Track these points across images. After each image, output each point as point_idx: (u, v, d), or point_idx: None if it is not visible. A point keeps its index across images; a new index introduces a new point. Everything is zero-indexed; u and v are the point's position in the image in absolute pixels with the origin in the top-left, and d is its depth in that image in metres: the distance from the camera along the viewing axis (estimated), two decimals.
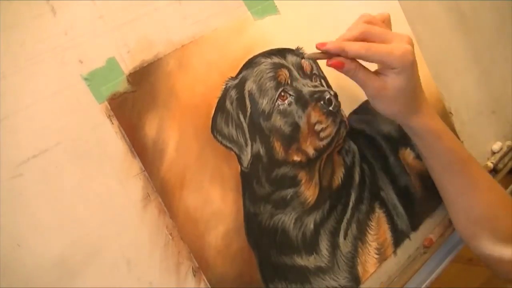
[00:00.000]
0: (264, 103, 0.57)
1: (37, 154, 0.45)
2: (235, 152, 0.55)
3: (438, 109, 0.71)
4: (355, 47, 0.54)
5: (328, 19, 0.65)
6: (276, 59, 0.59)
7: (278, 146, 0.57)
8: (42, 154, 0.45)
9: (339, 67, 0.55)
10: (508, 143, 0.82)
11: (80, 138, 0.47)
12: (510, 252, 0.61)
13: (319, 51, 0.56)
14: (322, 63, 0.62)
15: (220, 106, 0.55)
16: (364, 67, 0.56)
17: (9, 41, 0.45)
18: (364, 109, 0.66)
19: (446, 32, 0.81)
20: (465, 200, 0.63)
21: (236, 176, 0.55)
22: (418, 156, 0.69)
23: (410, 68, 0.55)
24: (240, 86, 0.56)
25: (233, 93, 0.56)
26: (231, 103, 0.56)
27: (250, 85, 0.57)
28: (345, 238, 0.61)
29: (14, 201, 0.43)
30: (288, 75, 0.58)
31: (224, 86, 0.56)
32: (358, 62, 0.56)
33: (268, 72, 0.57)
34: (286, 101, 0.57)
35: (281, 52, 0.60)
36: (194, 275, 0.51)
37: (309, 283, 0.57)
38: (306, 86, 0.58)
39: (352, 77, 0.56)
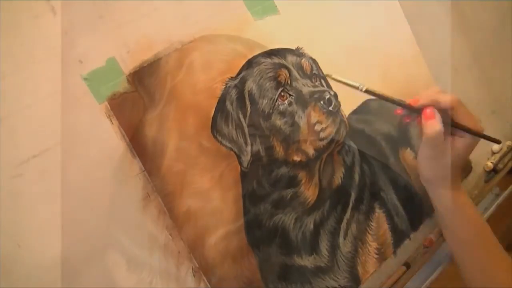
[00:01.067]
0: (264, 103, 0.57)
1: (37, 154, 0.45)
2: (235, 152, 0.55)
3: None
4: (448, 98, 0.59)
5: (328, 19, 0.65)
6: (276, 59, 0.59)
7: (278, 146, 0.57)
8: (42, 154, 0.45)
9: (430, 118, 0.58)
10: (508, 143, 0.82)
11: (80, 138, 0.47)
12: None
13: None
14: (322, 63, 0.63)
15: (220, 106, 0.55)
16: None
17: (9, 41, 0.45)
18: (364, 109, 0.66)
19: (446, 32, 0.81)
20: (480, 277, 0.63)
21: (236, 176, 0.55)
22: None
23: (431, 141, 0.57)
24: (240, 86, 0.56)
25: (233, 93, 0.56)
26: (231, 103, 0.56)
27: (250, 85, 0.57)
28: (345, 238, 0.61)
29: (14, 201, 0.43)
30: (288, 75, 0.58)
31: (224, 86, 0.56)
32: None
33: (268, 72, 0.57)
34: (286, 101, 0.57)
35: (281, 52, 0.60)
36: (194, 275, 0.51)
37: (309, 283, 0.57)
38: (306, 86, 0.58)
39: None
